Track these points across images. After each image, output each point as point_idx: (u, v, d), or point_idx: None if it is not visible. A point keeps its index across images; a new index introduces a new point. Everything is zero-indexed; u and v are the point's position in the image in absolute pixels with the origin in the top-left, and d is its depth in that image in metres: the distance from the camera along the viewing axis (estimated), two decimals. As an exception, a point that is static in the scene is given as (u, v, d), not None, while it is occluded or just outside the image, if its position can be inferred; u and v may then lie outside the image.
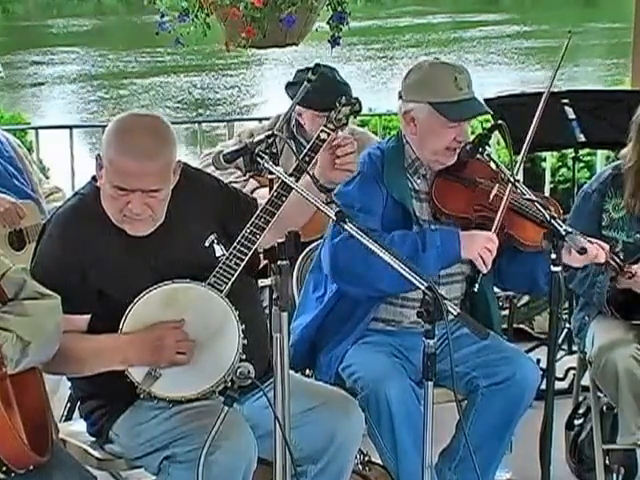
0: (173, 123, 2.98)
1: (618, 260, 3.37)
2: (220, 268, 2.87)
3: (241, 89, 19.07)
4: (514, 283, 3.56)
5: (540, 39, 23.55)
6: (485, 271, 3.25)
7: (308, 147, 3.00)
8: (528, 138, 3.54)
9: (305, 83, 3.82)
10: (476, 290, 3.33)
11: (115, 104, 17.81)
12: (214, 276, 2.86)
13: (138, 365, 2.82)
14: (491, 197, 3.33)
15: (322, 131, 3.00)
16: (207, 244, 2.97)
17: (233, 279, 2.86)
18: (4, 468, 2.53)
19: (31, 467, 2.55)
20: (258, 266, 3.04)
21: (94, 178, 2.92)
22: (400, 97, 3.36)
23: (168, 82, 19.90)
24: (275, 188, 2.93)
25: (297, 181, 2.87)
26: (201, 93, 18.85)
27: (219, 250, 2.95)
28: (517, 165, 3.37)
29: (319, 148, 2.98)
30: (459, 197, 3.34)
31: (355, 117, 3.09)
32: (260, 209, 2.91)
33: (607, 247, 3.31)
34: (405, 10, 27.60)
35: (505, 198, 3.29)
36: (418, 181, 3.39)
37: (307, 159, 2.97)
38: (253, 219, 2.89)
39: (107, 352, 2.84)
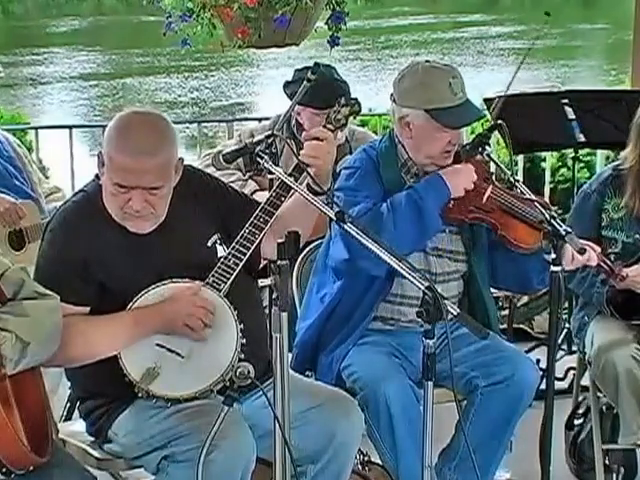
0: (175, 123, 2.98)
1: (609, 263, 3.37)
2: (219, 268, 2.87)
3: (203, 91, 19.08)
4: (507, 283, 3.56)
5: (520, 40, 23.57)
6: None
7: None
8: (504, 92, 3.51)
9: (305, 82, 3.82)
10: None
11: (113, 102, 17.87)
12: (213, 275, 2.86)
13: (152, 331, 2.81)
14: (484, 198, 3.34)
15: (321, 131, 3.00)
16: (210, 244, 2.97)
17: (232, 279, 2.86)
18: (4, 469, 2.52)
19: (31, 468, 2.55)
20: (258, 265, 3.04)
21: (97, 176, 2.93)
22: (394, 101, 3.36)
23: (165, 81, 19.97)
24: (274, 188, 2.93)
25: (296, 181, 2.87)
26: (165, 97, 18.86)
27: (222, 251, 2.95)
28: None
29: None
30: (452, 198, 3.34)
31: (355, 117, 3.08)
32: (259, 209, 2.91)
33: (598, 249, 3.31)
34: (387, 11, 27.42)
35: (500, 197, 3.30)
36: (411, 180, 3.39)
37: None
38: (252, 219, 2.89)
39: (118, 320, 2.83)
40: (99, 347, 2.83)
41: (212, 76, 20.18)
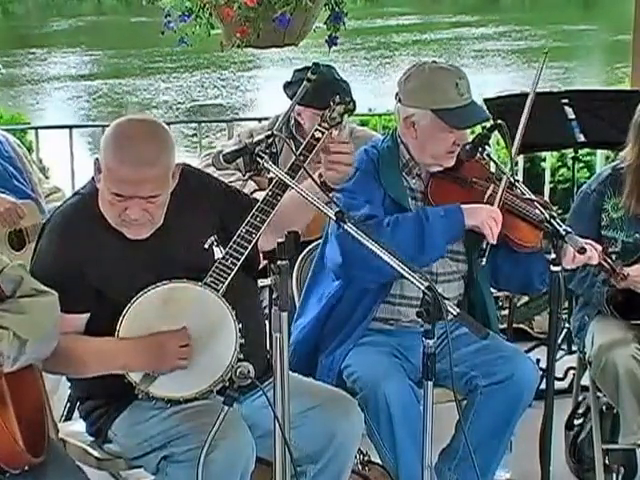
0: (173, 123, 2.97)
1: (611, 262, 3.37)
2: (217, 268, 2.86)
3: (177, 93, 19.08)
4: (508, 283, 3.57)
5: (519, 40, 23.51)
6: (492, 241, 3.24)
7: (303, 146, 2.99)
8: (517, 137, 3.53)
9: (305, 83, 3.81)
10: (484, 263, 3.34)
11: (113, 102, 17.88)
12: (210, 276, 2.86)
13: (139, 370, 2.83)
14: (486, 197, 3.34)
15: (317, 130, 3.00)
16: (207, 246, 2.96)
17: (230, 279, 2.86)
18: None
19: (26, 467, 2.55)
20: (258, 265, 3.04)
21: (94, 178, 2.92)
22: (399, 100, 3.36)
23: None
24: (270, 187, 2.92)
25: (293, 179, 2.86)
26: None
27: (218, 252, 2.94)
28: (511, 163, 3.37)
29: (313, 147, 2.97)
30: (454, 197, 3.34)
31: (349, 116, 3.07)
32: (256, 208, 2.90)
33: (600, 248, 3.31)
34: (374, 12, 27.21)
35: (500, 191, 3.30)
36: (413, 180, 3.40)
37: (302, 158, 2.96)
38: (249, 218, 2.88)
39: (108, 356, 2.84)
40: (76, 371, 2.90)
41: (182, 78, 20.16)
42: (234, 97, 18.37)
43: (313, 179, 2.87)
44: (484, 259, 3.33)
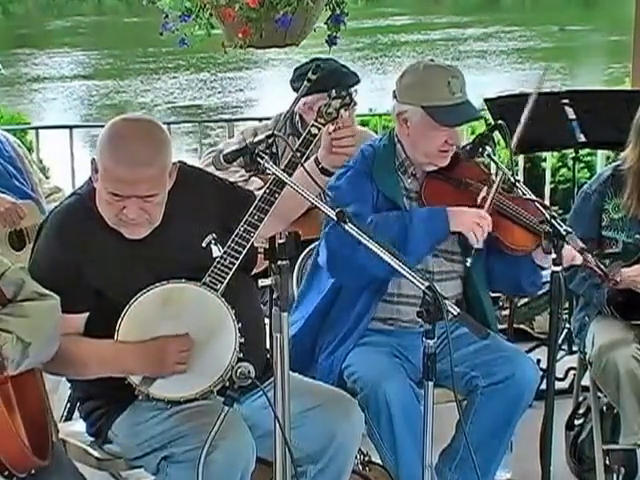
0: (173, 123, 2.97)
1: (603, 267, 3.37)
2: (215, 267, 2.86)
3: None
4: (500, 285, 3.57)
5: (519, 40, 23.47)
6: (476, 245, 3.24)
7: (299, 142, 2.99)
8: (516, 136, 3.54)
9: (305, 82, 3.82)
10: (469, 264, 3.34)
11: (88, 104, 17.91)
12: (209, 275, 2.85)
13: (139, 374, 2.83)
14: (479, 199, 3.33)
15: (313, 126, 2.99)
16: (204, 245, 2.95)
17: (228, 278, 2.85)
18: (6, 472, 2.52)
19: (32, 471, 2.55)
20: (255, 264, 3.03)
21: (91, 178, 2.91)
22: (395, 97, 3.37)
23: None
24: (267, 185, 2.91)
25: (290, 177, 2.85)
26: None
27: (216, 251, 2.93)
28: (511, 163, 3.37)
29: (310, 143, 2.98)
30: (448, 198, 3.34)
31: (346, 110, 3.07)
32: (253, 207, 2.90)
33: (590, 257, 3.31)
34: (370, 12, 27.12)
35: (493, 190, 3.30)
36: (409, 180, 3.40)
37: (299, 154, 2.95)
38: (246, 217, 2.88)
39: (109, 359, 2.84)
40: (76, 372, 2.90)
41: (162, 80, 20.14)
42: (211, 99, 18.35)
43: (309, 173, 2.85)
44: (468, 259, 3.33)
